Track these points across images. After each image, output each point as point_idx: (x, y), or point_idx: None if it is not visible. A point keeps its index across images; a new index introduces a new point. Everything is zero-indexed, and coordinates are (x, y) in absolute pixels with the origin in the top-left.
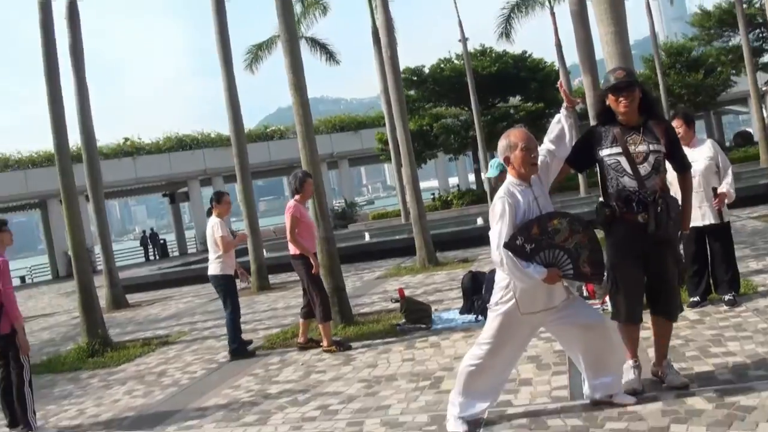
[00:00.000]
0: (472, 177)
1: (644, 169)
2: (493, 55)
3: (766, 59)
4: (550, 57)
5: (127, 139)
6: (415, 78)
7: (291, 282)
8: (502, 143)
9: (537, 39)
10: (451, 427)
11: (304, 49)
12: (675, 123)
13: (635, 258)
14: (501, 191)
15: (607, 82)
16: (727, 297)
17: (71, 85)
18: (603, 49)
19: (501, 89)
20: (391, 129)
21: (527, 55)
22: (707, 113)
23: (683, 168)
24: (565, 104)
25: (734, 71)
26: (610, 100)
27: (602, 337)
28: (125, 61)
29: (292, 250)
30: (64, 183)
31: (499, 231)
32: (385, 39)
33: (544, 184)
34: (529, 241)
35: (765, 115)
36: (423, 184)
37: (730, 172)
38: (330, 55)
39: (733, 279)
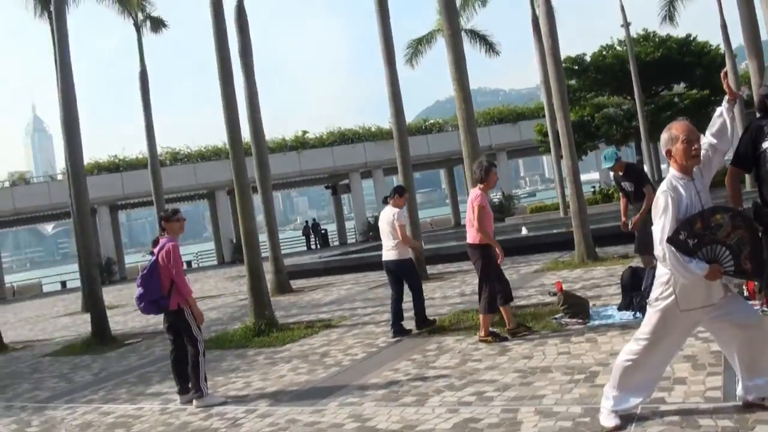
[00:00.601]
0: None
1: None
2: (657, 39)
3: None
4: (715, 40)
5: (305, 132)
6: (576, 67)
7: (448, 273)
8: (663, 136)
9: (702, 20)
10: (603, 420)
11: (464, 41)
12: None
13: None
14: (664, 185)
15: (765, 86)
16: None
17: (241, 84)
18: None
19: (664, 76)
20: (551, 120)
21: (692, 38)
22: None
23: None
24: (727, 97)
25: None
26: None
27: (758, 338)
28: (293, 61)
29: (471, 238)
30: (238, 177)
31: (662, 226)
32: (545, 28)
33: (706, 178)
34: (693, 236)
35: None
36: (583, 177)
37: None
38: (490, 47)
39: None
